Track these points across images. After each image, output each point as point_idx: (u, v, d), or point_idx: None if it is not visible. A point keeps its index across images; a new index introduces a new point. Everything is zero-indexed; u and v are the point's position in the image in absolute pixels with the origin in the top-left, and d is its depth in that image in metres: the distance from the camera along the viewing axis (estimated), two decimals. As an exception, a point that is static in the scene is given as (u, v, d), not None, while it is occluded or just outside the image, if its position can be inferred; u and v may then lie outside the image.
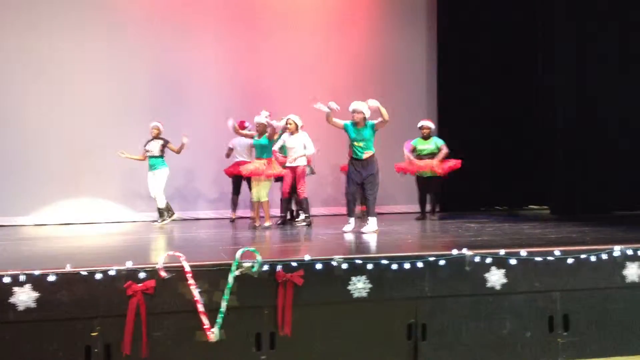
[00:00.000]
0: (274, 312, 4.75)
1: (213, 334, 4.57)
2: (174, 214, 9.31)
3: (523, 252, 5.14)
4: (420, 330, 4.97)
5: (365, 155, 7.34)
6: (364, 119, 7.34)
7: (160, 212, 9.18)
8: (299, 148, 8.32)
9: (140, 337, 4.51)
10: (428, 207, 9.59)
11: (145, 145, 9.14)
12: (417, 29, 11.57)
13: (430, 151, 9.22)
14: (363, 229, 7.33)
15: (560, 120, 10.18)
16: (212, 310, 4.60)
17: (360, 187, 7.51)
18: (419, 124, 9.34)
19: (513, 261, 5.08)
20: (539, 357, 5.16)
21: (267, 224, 8.19)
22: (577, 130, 10.00)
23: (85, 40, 10.21)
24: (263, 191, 8.18)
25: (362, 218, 8.42)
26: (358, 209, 8.98)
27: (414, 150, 9.27)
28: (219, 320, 4.59)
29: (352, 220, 7.55)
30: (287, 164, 8.29)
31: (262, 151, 8.23)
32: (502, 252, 5.11)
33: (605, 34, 10.00)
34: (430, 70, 11.50)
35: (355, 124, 7.36)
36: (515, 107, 11.18)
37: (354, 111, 7.33)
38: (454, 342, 5.02)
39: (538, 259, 5.16)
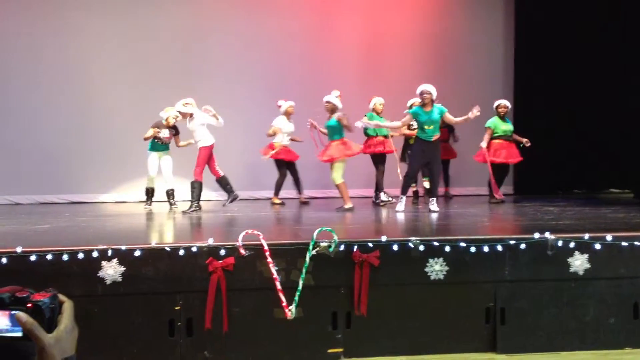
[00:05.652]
0: (350, 292, 4.75)
1: (291, 312, 4.64)
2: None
3: (609, 237, 4.93)
4: (499, 314, 4.88)
5: (434, 138, 7.37)
6: (432, 100, 7.30)
7: (171, 195, 8.83)
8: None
9: (220, 312, 4.61)
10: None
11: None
12: (494, 9, 11.26)
13: (511, 132, 8.98)
14: (431, 208, 7.54)
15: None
16: (289, 289, 4.65)
17: (424, 167, 7.79)
18: (497, 103, 9.00)
19: (597, 246, 4.90)
20: (622, 344, 4.98)
21: (347, 205, 7.85)
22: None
23: (155, 15, 10.39)
24: (336, 173, 7.93)
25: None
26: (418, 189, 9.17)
27: (492, 132, 8.85)
28: (296, 298, 4.65)
29: (404, 198, 7.60)
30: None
31: (334, 132, 7.96)
32: (586, 236, 4.93)
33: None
34: (508, 52, 11.22)
35: (423, 107, 7.31)
36: (598, 89, 10.69)
37: (422, 92, 7.26)
38: (534, 327, 4.90)
39: (624, 244, 4.96)
